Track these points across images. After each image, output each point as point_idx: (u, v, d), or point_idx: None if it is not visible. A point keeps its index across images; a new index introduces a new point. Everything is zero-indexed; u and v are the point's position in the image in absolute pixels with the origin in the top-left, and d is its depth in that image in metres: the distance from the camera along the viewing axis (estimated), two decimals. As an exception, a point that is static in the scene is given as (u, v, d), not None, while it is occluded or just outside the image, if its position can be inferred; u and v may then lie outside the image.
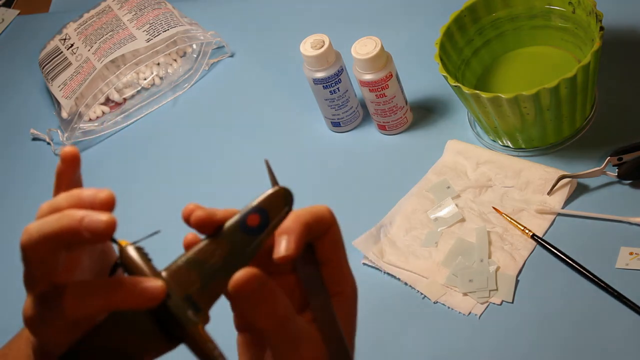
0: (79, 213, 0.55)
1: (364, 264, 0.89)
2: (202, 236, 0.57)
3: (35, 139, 1.16)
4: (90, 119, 1.13)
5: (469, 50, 0.95)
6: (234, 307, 0.58)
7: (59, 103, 1.13)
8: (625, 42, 0.98)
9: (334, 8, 1.17)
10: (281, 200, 0.59)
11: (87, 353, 0.58)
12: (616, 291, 0.79)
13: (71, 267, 0.59)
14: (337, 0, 1.18)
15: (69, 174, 0.62)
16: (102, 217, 0.54)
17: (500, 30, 0.96)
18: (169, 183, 1.06)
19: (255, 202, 0.59)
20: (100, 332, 0.58)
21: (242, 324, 0.60)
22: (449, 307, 0.83)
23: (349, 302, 0.59)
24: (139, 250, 0.60)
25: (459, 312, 0.83)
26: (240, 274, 0.54)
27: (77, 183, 0.62)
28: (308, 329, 0.56)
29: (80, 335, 0.58)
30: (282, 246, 0.56)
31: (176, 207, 1.05)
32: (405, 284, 0.86)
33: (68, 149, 0.60)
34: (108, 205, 0.56)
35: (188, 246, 0.58)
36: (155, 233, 0.60)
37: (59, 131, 1.12)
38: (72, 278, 0.59)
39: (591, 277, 0.80)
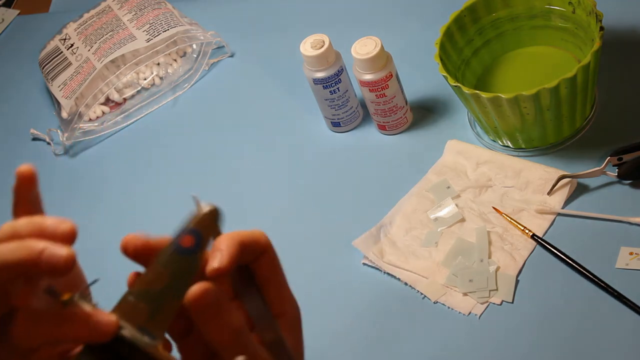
0: (39, 245, 0.54)
1: (364, 264, 0.89)
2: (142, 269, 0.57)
3: (35, 139, 1.16)
4: (90, 119, 1.13)
5: (469, 50, 0.95)
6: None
7: (59, 103, 1.13)
8: (625, 42, 0.98)
9: (333, 8, 1.17)
10: (212, 218, 0.60)
11: None
12: (616, 291, 0.79)
13: (30, 291, 0.58)
14: (337, 0, 1.18)
15: (25, 192, 0.61)
16: (61, 251, 0.53)
17: (500, 30, 0.96)
18: (169, 183, 1.06)
19: (186, 225, 0.60)
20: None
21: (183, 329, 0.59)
22: (449, 307, 0.83)
23: (292, 321, 0.60)
24: (85, 297, 0.59)
25: (459, 312, 0.83)
26: (197, 287, 0.54)
27: (34, 201, 0.62)
28: (260, 347, 0.56)
29: None
30: (216, 260, 0.56)
31: (176, 207, 1.05)
32: (405, 284, 0.86)
33: (24, 167, 0.61)
34: (69, 238, 0.55)
35: (131, 284, 0.58)
36: (95, 282, 0.60)
37: (59, 131, 1.12)
38: (30, 302, 0.57)
39: (591, 277, 0.80)
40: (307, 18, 1.17)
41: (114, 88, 1.13)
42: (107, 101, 1.14)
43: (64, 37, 1.18)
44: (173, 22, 1.14)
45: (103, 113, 1.14)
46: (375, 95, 0.95)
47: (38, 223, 0.57)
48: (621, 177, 0.86)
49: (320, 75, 0.96)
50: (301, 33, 0.98)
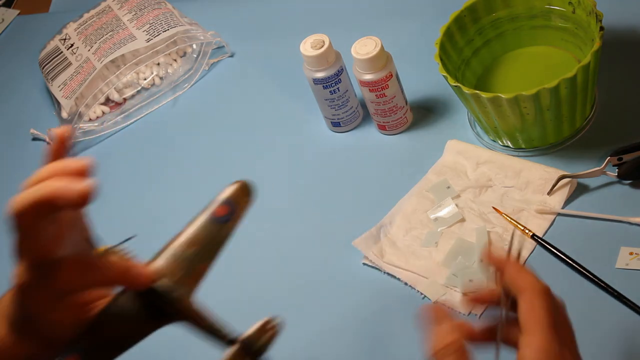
0: (57, 183, 0.59)
1: (364, 264, 0.89)
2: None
3: (35, 139, 1.17)
4: (90, 119, 1.13)
5: (469, 50, 0.95)
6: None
7: (59, 103, 1.13)
8: (625, 42, 0.98)
9: (334, 8, 1.17)
10: (244, 192, 0.68)
11: (91, 343, 0.64)
12: (616, 291, 0.79)
13: (57, 240, 0.63)
14: (337, 0, 1.18)
15: (58, 154, 0.65)
16: (77, 186, 0.58)
17: (500, 30, 0.96)
18: (169, 183, 1.06)
19: (222, 196, 0.67)
20: (101, 324, 0.65)
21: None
22: (449, 307, 0.83)
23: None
24: (118, 252, 0.66)
25: (459, 312, 0.83)
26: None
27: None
28: None
29: (71, 316, 0.65)
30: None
31: (176, 206, 1.05)
32: (405, 284, 0.86)
33: (61, 129, 0.65)
34: (83, 172, 0.60)
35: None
36: (131, 238, 0.66)
37: (59, 131, 1.12)
38: (58, 251, 0.63)
39: (591, 277, 0.80)
40: (307, 18, 1.17)
41: (114, 88, 1.13)
42: (107, 101, 1.14)
43: (64, 37, 1.18)
44: (173, 22, 1.14)
45: (103, 113, 1.14)
46: (375, 95, 0.95)
47: (57, 165, 0.62)
48: (621, 177, 0.86)
49: (320, 75, 0.96)
50: (301, 33, 0.98)
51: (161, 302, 0.66)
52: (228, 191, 0.68)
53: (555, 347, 0.62)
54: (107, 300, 0.67)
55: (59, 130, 0.65)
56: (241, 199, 0.68)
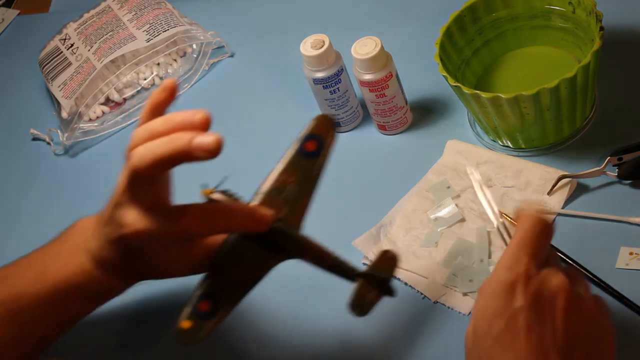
0: (187, 135, 0.63)
1: (364, 264, 0.89)
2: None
3: (35, 139, 1.17)
4: (90, 119, 1.13)
5: (469, 50, 0.95)
6: None
7: (59, 103, 1.13)
8: (625, 42, 0.98)
9: (334, 8, 1.17)
10: (329, 124, 0.71)
11: (217, 287, 0.69)
12: (616, 291, 0.79)
13: (168, 187, 0.70)
14: (337, 0, 1.18)
15: (165, 104, 0.69)
16: (209, 137, 0.63)
17: (500, 30, 0.96)
18: (169, 183, 1.06)
19: (307, 131, 0.71)
20: (223, 268, 0.69)
21: None
22: (449, 307, 0.83)
23: None
24: (225, 193, 0.71)
25: (459, 312, 0.83)
26: None
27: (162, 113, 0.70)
28: None
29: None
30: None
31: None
32: (405, 284, 0.86)
33: (170, 81, 0.69)
34: (205, 125, 0.65)
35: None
36: (226, 178, 0.72)
37: (59, 131, 1.13)
38: (167, 196, 0.70)
39: (591, 277, 0.80)
40: (307, 18, 1.17)
41: (114, 88, 1.13)
42: (107, 101, 1.14)
43: (64, 37, 1.18)
44: (173, 22, 1.14)
45: (103, 113, 1.14)
46: (375, 95, 0.95)
47: (171, 118, 0.66)
48: (621, 177, 0.86)
49: (320, 75, 0.96)
50: (301, 33, 0.98)
51: (283, 241, 0.69)
52: (311, 126, 0.71)
53: (511, 272, 0.62)
54: (215, 241, 0.72)
55: (166, 82, 0.69)
56: (326, 131, 0.70)
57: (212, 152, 0.63)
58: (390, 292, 0.71)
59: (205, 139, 0.63)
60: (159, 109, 0.69)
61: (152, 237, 0.69)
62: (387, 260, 0.71)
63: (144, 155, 0.65)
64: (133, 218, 0.69)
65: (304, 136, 0.71)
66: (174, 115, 0.66)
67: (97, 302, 0.80)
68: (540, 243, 0.64)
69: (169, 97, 0.69)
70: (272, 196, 0.70)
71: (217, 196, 0.71)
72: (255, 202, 0.71)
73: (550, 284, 0.62)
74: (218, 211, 0.69)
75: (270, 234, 0.69)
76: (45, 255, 0.80)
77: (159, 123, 0.67)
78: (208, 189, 0.70)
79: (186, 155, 0.64)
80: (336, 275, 0.70)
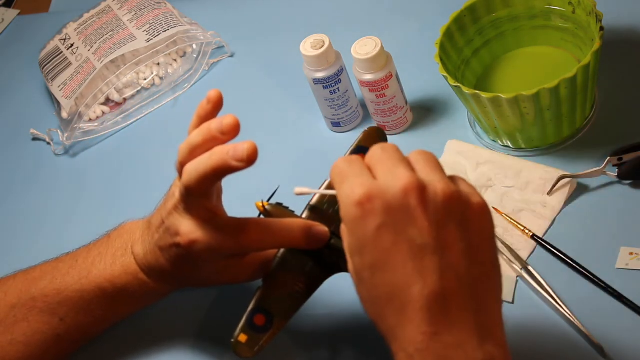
0: (225, 148, 0.67)
1: (364, 264, 0.89)
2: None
3: (35, 139, 1.17)
4: (90, 119, 1.13)
5: (469, 50, 0.95)
6: None
7: (59, 103, 1.13)
8: (625, 42, 0.98)
9: (334, 8, 1.17)
10: (376, 137, 0.73)
11: (271, 301, 0.71)
12: (616, 291, 0.79)
13: (219, 199, 0.73)
14: (337, 0, 1.18)
15: (211, 116, 0.72)
16: (243, 146, 0.66)
17: (500, 30, 0.96)
18: (169, 183, 1.05)
19: (357, 143, 0.73)
20: (276, 283, 0.71)
21: None
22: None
23: None
24: (278, 206, 0.74)
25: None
26: None
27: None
28: None
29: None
30: None
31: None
32: (405, 284, 0.86)
33: (215, 92, 0.73)
34: (235, 129, 0.69)
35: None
36: (278, 188, 0.75)
37: (59, 131, 1.13)
38: (220, 206, 0.73)
39: (591, 277, 0.80)
40: (307, 18, 1.17)
41: (114, 88, 1.13)
42: (107, 101, 1.14)
43: (64, 37, 1.18)
44: (173, 22, 1.14)
45: (103, 113, 1.14)
46: (375, 96, 0.95)
47: (205, 128, 0.70)
48: (621, 177, 0.86)
49: (320, 75, 0.96)
50: (301, 33, 0.98)
51: (336, 257, 0.70)
52: (361, 138, 0.73)
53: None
54: (266, 253, 0.74)
55: (215, 93, 0.73)
56: (374, 142, 0.72)
57: (248, 161, 0.66)
58: None
59: (239, 152, 0.66)
60: (205, 120, 0.72)
61: (208, 249, 0.71)
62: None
63: (192, 173, 0.69)
64: (189, 228, 0.71)
65: (354, 148, 0.73)
66: (208, 125, 0.70)
67: (140, 303, 0.83)
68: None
69: (215, 109, 0.73)
70: (323, 209, 0.72)
71: (270, 208, 0.73)
72: (306, 215, 0.73)
73: (395, 188, 0.58)
74: (276, 227, 0.71)
75: (324, 251, 0.71)
76: (90, 254, 0.82)
77: (195, 136, 0.70)
78: (261, 201, 0.73)
79: (226, 169, 0.67)
80: None
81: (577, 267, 0.81)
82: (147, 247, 0.78)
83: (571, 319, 0.78)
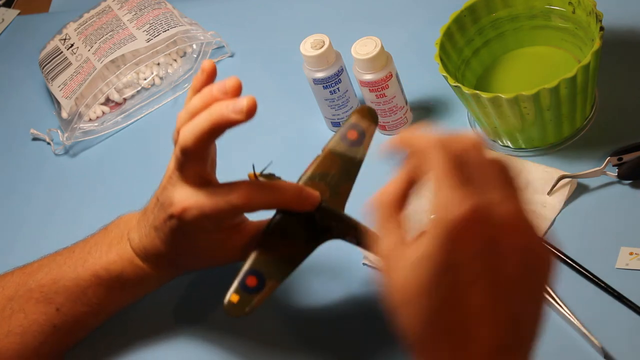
0: (222, 104, 0.67)
1: (364, 264, 0.89)
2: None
3: (35, 139, 1.16)
4: (90, 119, 1.13)
5: (469, 50, 0.95)
6: None
7: (59, 103, 1.13)
8: (625, 42, 0.98)
9: (334, 8, 1.17)
10: (369, 115, 0.75)
11: (264, 263, 0.72)
12: (616, 291, 0.79)
13: (214, 164, 0.74)
14: (337, 0, 1.18)
15: (201, 84, 0.73)
16: (242, 102, 0.67)
17: (500, 30, 0.96)
18: (169, 183, 1.06)
19: (349, 120, 0.75)
20: (269, 246, 0.72)
21: None
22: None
23: None
24: (271, 176, 0.74)
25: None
26: None
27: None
28: None
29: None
30: None
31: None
32: (405, 284, 0.86)
33: (209, 63, 0.73)
34: (238, 88, 0.69)
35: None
36: (271, 162, 0.75)
37: (59, 131, 1.13)
38: (214, 176, 0.74)
39: (591, 277, 0.80)
40: (307, 18, 1.17)
41: (114, 88, 1.13)
42: (107, 101, 1.14)
43: (64, 37, 1.18)
44: (173, 22, 1.14)
45: (103, 113, 1.14)
46: (375, 96, 0.95)
47: (207, 92, 0.70)
48: (621, 177, 0.86)
49: (320, 75, 0.96)
50: (301, 33, 0.98)
51: (329, 220, 0.72)
52: (352, 116, 0.75)
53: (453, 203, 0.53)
54: (258, 229, 0.75)
55: (204, 64, 0.73)
56: (366, 122, 0.74)
57: (247, 113, 0.67)
58: None
59: (238, 104, 0.67)
60: (197, 87, 0.73)
61: (201, 214, 0.71)
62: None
63: (189, 132, 0.69)
64: (182, 196, 0.71)
65: (346, 125, 0.75)
66: (209, 89, 0.70)
67: (137, 291, 0.82)
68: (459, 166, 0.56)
69: (208, 79, 0.73)
70: (316, 181, 0.74)
71: (263, 179, 0.74)
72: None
73: (501, 217, 0.54)
74: (267, 188, 0.71)
75: (316, 214, 0.72)
76: (87, 245, 0.82)
77: (196, 100, 0.70)
78: (253, 172, 0.74)
79: (225, 122, 0.67)
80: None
81: (577, 267, 0.81)
82: (143, 230, 0.78)
83: (571, 319, 0.78)
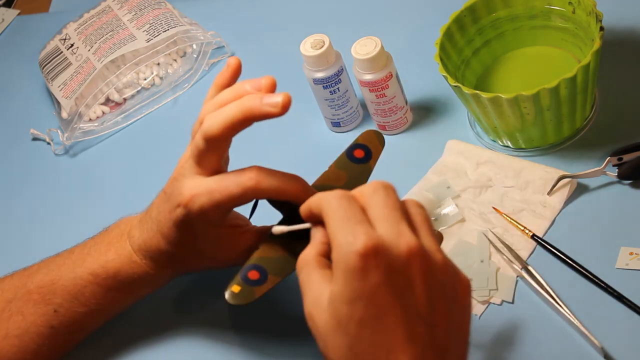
0: (257, 96, 0.67)
1: (364, 264, 0.89)
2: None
3: (35, 139, 1.17)
4: (90, 119, 1.13)
5: (469, 50, 0.95)
6: None
7: (59, 103, 1.13)
8: (625, 42, 0.98)
9: (333, 8, 1.17)
10: (376, 139, 0.78)
11: (266, 260, 0.72)
12: (616, 291, 0.79)
13: (227, 164, 0.75)
14: (337, 0, 1.18)
15: (230, 82, 0.73)
16: (277, 98, 0.66)
17: (500, 30, 0.96)
18: (169, 183, 1.06)
19: (356, 140, 0.78)
20: (271, 245, 0.73)
21: None
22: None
23: None
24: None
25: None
26: None
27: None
28: None
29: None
30: None
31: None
32: (405, 284, 0.86)
33: (235, 59, 0.74)
34: (272, 88, 0.69)
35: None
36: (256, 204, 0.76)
37: (59, 131, 1.13)
38: (225, 171, 0.74)
39: (591, 277, 0.80)
40: (307, 18, 1.17)
41: (114, 88, 1.13)
42: (107, 101, 1.14)
43: (64, 37, 1.18)
44: (173, 22, 1.14)
45: (103, 113, 1.14)
46: (375, 96, 0.95)
47: (239, 87, 0.70)
48: (621, 177, 0.86)
49: (320, 75, 0.96)
50: (301, 33, 0.98)
51: None
52: (360, 137, 0.78)
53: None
54: (262, 229, 0.77)
55: (230, 60, 0.73)
56: (374, 144, 0.78)
57: (283, 107, 0.66)
58: None
59: (273, 98, 0.66)
60: (224, 87, 0.73)
61: (210, 200, 0.71)
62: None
63: (215, 119, 0.68)
64: (192, 184, 0.71)
65: (353, 144, 0.77)
66: (242, 84, 0.70)
67: (135, 291, 0.82)
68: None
69: (234, 75, 0.73)
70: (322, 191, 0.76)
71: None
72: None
73: (399, 249, 0.57)
74: (276, 172, 0.72)
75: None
76: (86, 245, 0.82)
77: (227, 93, 0.70)
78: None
79: (258, 114, 0.67)
80: None
81: (577, 267, 0.81)
82: (145, 226, 0.78)
83: (571, 319, 0.78)
